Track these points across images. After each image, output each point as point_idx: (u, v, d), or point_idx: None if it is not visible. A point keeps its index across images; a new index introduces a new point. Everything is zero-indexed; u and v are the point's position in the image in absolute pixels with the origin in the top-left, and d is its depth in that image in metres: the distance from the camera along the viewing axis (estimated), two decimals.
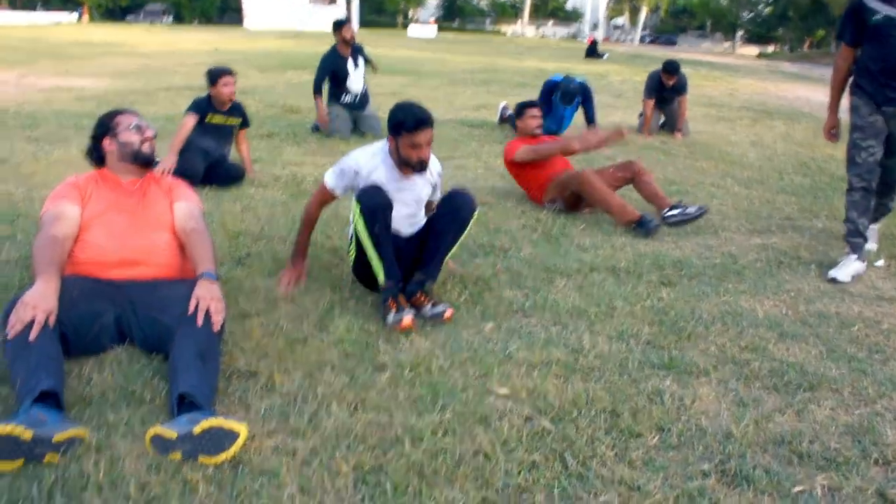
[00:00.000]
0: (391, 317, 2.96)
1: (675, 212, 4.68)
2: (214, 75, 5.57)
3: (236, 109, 5.73)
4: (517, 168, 5.18)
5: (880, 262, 4.26)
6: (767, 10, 67.72)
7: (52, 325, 2.29)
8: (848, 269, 3.90)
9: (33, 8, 62.58)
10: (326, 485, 1.93)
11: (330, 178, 3.43)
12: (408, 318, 2.93)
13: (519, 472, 2.02)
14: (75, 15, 60.11)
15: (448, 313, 3.05)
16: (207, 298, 2.46)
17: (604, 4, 71.97)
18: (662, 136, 8.59)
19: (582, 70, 19.09)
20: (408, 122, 3.16)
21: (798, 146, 8.65)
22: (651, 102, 8.77)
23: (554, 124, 7.81)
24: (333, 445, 2.11)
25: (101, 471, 1.93)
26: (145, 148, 2.91)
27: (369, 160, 3.34)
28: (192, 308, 2.43)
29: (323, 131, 7.60)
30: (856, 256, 3.97)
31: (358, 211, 3.09)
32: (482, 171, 6.12)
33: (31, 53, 19.37)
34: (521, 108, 5.39)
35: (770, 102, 14.22)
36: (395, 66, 17.61)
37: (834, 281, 3.81)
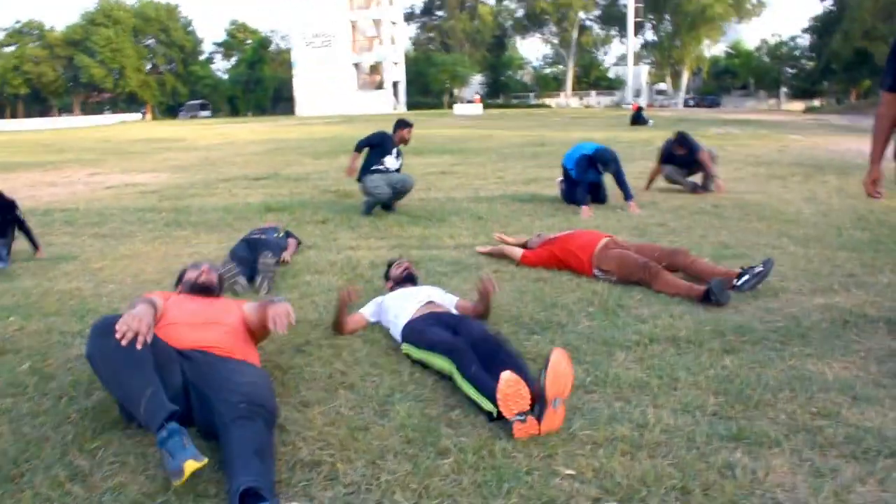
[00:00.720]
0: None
1: (745, 277, 4.60)
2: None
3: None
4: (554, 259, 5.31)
5: None
6: (810, 64, 67.53)
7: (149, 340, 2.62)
8: None
9: (101, 112, 65.97)
10: None
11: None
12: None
13: None
14: (139, 115, 63.02)
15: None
16: (283, 306, 2.94)
17: (645, 71, 72.65)
18: (714, 199, 8.52)
19: (627, 137, 19.19)
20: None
21: (854, 199, 8.48)
22: (657, 167, 9.52)
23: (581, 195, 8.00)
24: None
25: None
26: (202, 279, 3.51)
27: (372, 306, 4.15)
28: (270, 325, 2.87)
29: (348, 178, 8.25)
30: None
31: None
32: None
33: (99, 153, 20.36)
34: None
35: (821, 157, 14.05)
36: (444, 145, 17.99)
37: None
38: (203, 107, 67.88)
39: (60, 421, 2.90)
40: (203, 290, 3.45)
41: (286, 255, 5.72)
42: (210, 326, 3.04)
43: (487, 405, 2.85)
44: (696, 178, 9.36)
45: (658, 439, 2.67)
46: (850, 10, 53.80)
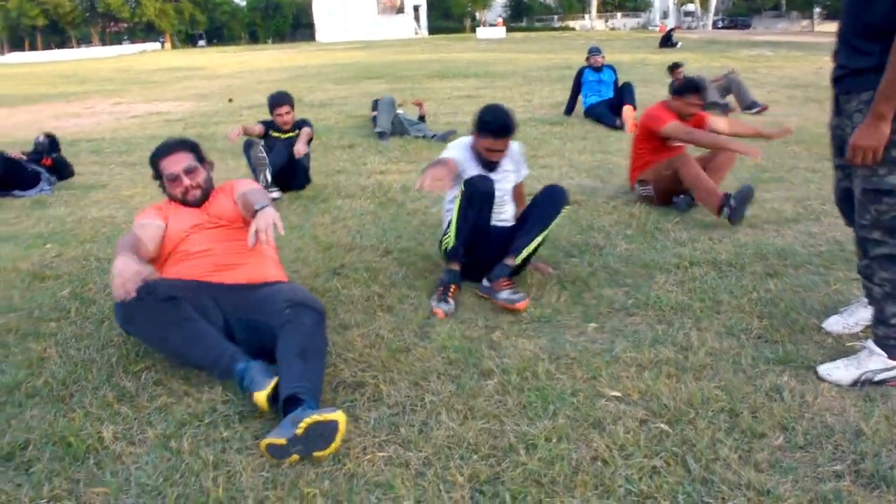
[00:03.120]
0: (433, 301, 3.23)
1: (725, 210, 4.32)
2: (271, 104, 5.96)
3: (297, 126, 5.93)
4: (647, 139, 4.84)
5: None
6: None
7: (153, 277, 2.57)
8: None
9: (120, 42, 65.50)
10: (444, 496, 1.91)
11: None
12: (440, 309, 3.14)
13: (640, 479, 1.95)
14: (158, 44, 62.52)
15: (521, 304, 3.12)
16: (268, 217, 2.51)
17: None
18: (751, 121, 8.30)
19: (656, 59, 18.71)
20: (491, 126, 3.39)
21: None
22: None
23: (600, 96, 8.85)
24: (447, 456, 2.09)
25: (220, 487, 1.96)
26: (189, 197, 2.98)
27: (461, 152, 3.51)
28: (254, 240, 2.46)
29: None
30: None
31: (461, 193, 3.27)
32: (566, 168, 6.03)
33: (121, 83, 20.23)
34: (688, 89, 4.76)
35: None
36: (468, 69, 17.63)
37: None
38: (200, 36, 67.62)
39: (104, 344, 2.91)
40: (195, 205, 2.98)
41: (298, 147, 5.46)
42: (234, 266, 2.85)
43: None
44: (731, 100, 9.22)
45: (703, 362, 2.63)
46: None
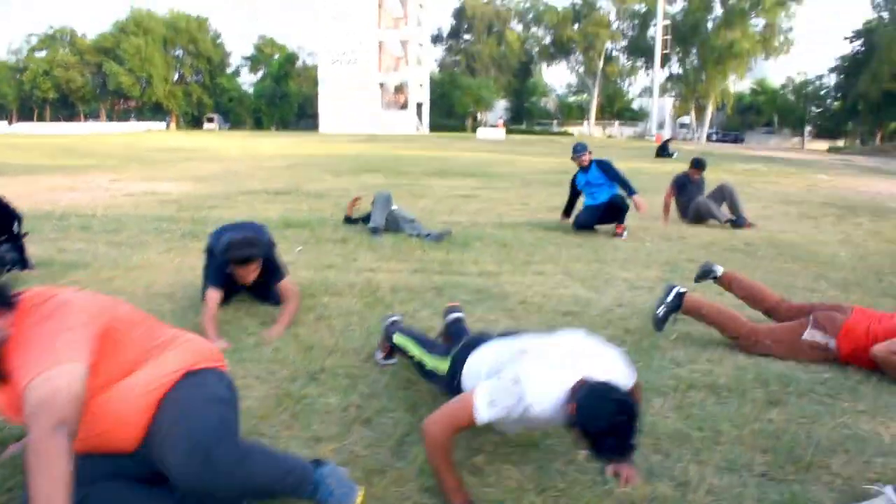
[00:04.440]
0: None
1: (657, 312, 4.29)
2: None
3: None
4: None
5: None
6: (836, 104, 67.12)
7: None
8: None
9: (127, 119, 66.79)
10: None
11: (484, 409, 2.34)
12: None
13: None
14: (164, 124, 63.66)
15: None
16: None
17: (669, 103, 72.43)
18: (746, 236, 8.26)
19: (651, 168, 18.96)
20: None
21: (891, 244, 8.20)
22: (670, 192, 9.71)
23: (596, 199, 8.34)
24: None
25: None
26: None
27: (548, 407, 2.31)
28: None
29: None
30: None
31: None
32: (561, 276, 5.89)
33: (123, 159, 20.39)
34: None
35: (852, 198, 13.73)
36: (467, 168, 17.81)
37: None
38: (209, 119, 69.24)
39: None
40: None
41: (273, 332, 4.20)
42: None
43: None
44: (726, 212, 9.22)
45: (702, 501, 2.43)
46: (879, 51, 53.43)
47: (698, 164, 9.78)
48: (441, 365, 3.01)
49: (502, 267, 6.19)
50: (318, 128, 61.41)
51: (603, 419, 2.08)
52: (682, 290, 4.30)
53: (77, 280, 5.57)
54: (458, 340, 3.60)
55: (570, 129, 71.83)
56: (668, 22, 59.91)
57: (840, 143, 66.12)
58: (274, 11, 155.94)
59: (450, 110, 68.69)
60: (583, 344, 2.59)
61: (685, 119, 74.13)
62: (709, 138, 66.23)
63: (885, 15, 55.99)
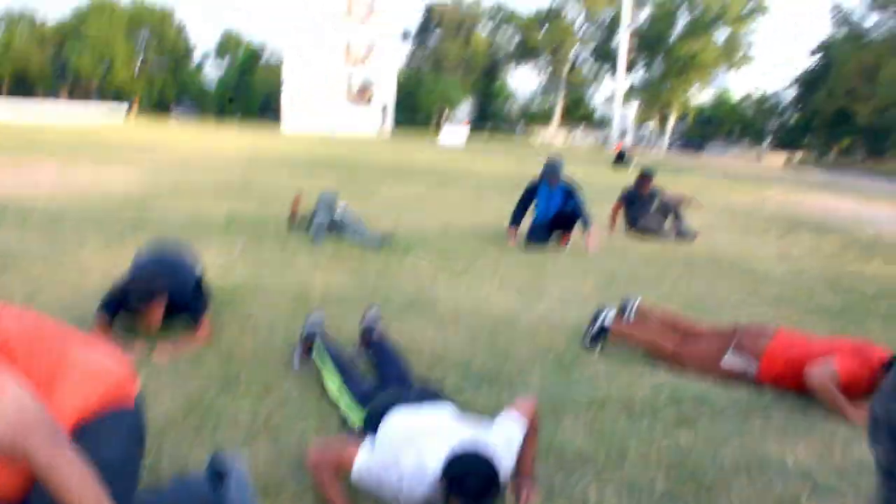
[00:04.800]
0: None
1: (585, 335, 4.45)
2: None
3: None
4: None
5: None
6: (794, 118, 68.44)
7: None
8: None
9: (88, 98, 65.47)
10: None
11: (359, 471, 2.45)
12: None
13: None
14: (125, 106, 62.30)
15: None
16: None
17: (633, 111, 73.19)
18: (687, 250, 8.36)
19: (608, 178, 19.11)
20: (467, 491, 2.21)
21: (827, 260, 8.37)
22: (617, 205, 9.82)
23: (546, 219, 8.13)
24: None
25: None
26: None
27: (417, 481, 2.40)
28: None
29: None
30: None
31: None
32: (496, 286, 5.89)
33: (75, 147, 19.97)
34: None
35: (798, 213, 13.99)
36: (423, 173, 17.77)
37: None
38: (178, 105, 68.91)
39: None
40: None
41: (162, 356, 3.82)
42: None
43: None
44: (668, 225, 9.35)
45: None
46: (835, 67, 54.61)
47: (646, 175, 9.85)
48: (354, 416, 3.00)
49: (439, 274, 6.18)
50: (280, 123, 60.85)
51: (469, 485, 2.20)
52: (608, 322, 4.34)
53: (1, 274, 5.44)
54: (380, 358, 3.60)
55: (535, 133, 72.19)
56: (635, 25, 60.60)
57: (797, 154, 67.41)
58: (239, 4, 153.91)
59: (415, 108, 68.59)
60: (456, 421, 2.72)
61: (648, 127, 74.99)
62: (669, 147, 67.09)
63: (842, 31, 57.17)
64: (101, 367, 2.03)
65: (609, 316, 4.35)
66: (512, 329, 4.68)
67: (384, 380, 3.32)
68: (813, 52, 63.26)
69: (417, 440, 2.51)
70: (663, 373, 4.00)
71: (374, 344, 3.77)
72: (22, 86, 71.54)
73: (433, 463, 2.35)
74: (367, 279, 5.86)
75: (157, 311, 3.91)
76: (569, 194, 8.05)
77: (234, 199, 10.53)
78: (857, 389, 3.65)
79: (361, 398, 3.00)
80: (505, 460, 2.43)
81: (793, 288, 6.67)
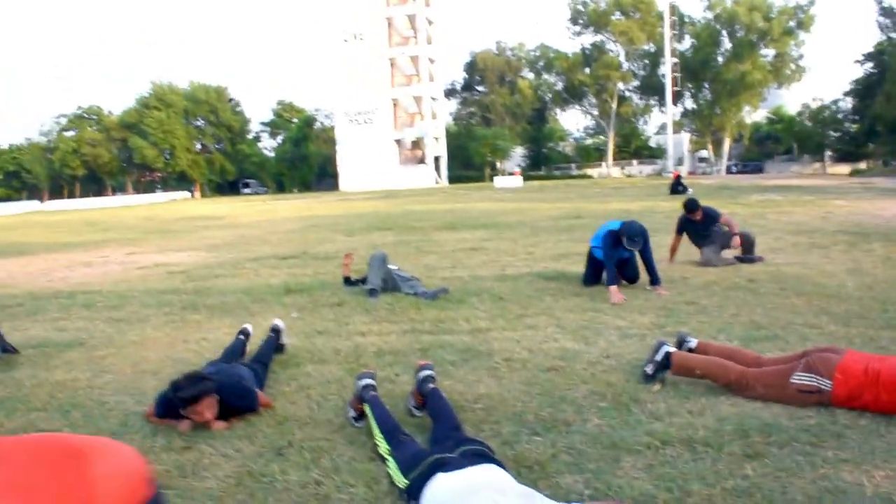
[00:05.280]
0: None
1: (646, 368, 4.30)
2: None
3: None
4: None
5: None
6: (854, 127, 66.65)
7: None
8: None
9: (153, 191, 68.28)
10: None
11: None
12: None
13: None
14: (188, 193, 64.88)
15: None
16: None
17: (686, 139, 72.46)
18: (750, 273, 8.10)
19: (666, 207, 18.82)
20: None
21: None
22: (676, 238, 9.32)
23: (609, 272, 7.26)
24: None
25: None
26: None
27: None
28: None
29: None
30: None
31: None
32: (552, 329, 5.78)
33: (141, 231, 20.76)
34: None
35: (866, 223, 13.49)
36: (479, 219, 17.83)
37: None
38: (245, 185, 71.06)
39: None
40: None
41: (216, 424, 3.86)
42: None
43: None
44: (730, 253, 9.03)
45: None
46: (890, 71, 53.18)
47: (691, 207, 9.27)
48: (398, 478, 2.94)
49: (494, 322, 6.10)
50: (337, 187, 62.10)
51: None
52: (670, 349, 4.21)
53: (70, 360, 5.60)
54: (432, 415, 3.55)
55: (589, 171, 71.98)
56: (676, 60, 60.33)
57: (862, 165, 65.49)
58: (291, 76, 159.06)
59: (467, 161, 69.23)
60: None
61: (703, 153, 74.02)
62: (728, 170, 65.98)
63: (894, 35, 55.80)
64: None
65: (668, 350, 4.21)
66: (569, 372, 4.56)
67: (434, 441, 3.25)
68: (865, 59, 61.86)
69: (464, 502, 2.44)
70: (728, 404, 3.82)
71: (426, 401, 3.72)
72: (93, 180, 75.22)
73: None
74: (421, 333, 5.83)
75: (209, 408, 3.79)
76: (644, 248, 7.32)
77: (292, 267, 10.70)
78: None
79: (407, 464, 2.93)
80: None
81: (865, 303, 6.37)
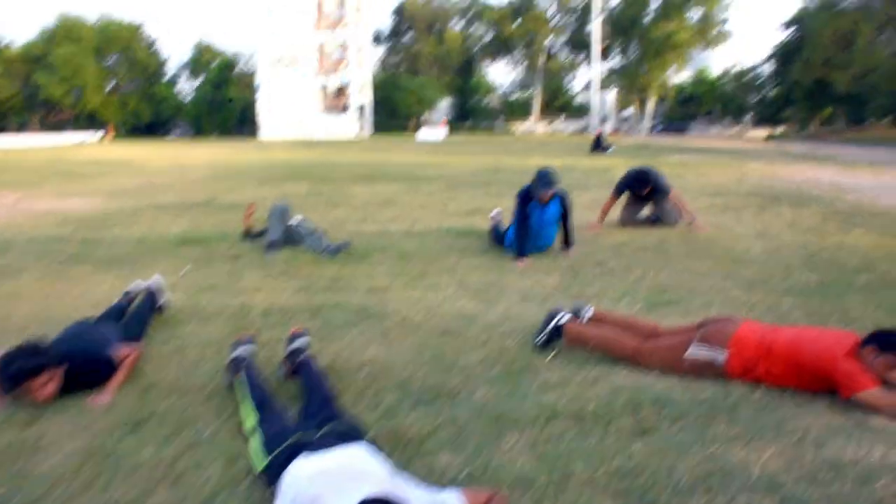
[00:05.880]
0: None
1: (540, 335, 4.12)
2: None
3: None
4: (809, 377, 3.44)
5: None
6: (774, 92, 68.34)
7: None
8: None
9: (61, 130, 64.64)
10: None
11: None
12: None
13: None
14: (99, 134, 61.88)
15: None
16: None
17: (612, 96, 73.06)
18: (661, 234, 8.04)
19: (585, 165, 18.82)
20: None
21: (806, 234, 8.05)
22: (611, 199, 8.60)
23: (538, 240, 6.84)
24: None
25: None
26: None
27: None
28: None
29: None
30: None
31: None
32: (454, 289, 5.54)
33: (42, 175, 19.54)
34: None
35: (778, 186, 13.68)
36: (397, 172, 17.43)
37: None
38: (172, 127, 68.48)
39: None
40: None
41: (100, 399, 3.45)
42: None
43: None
44: (646, 211, 8.88)
45: None
46: (810, 38, 54.43)
47: (641, 180, 8.53)
48: (257, 460, 2.67)
49: (395, 281, 5.83)
50: (257, 134, 60.38)
51: None
52: (563, 320, 4.02)
53: None
54: (304, 382, 3.30)
55: (515, 126, 71.97)
56: (605, 15, 60.51)
57: (779, 129, 67.37)
58: (211, 16, 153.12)
59: (393, 111, 68.09)
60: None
61: (628, 112, 74.83)
62: (652, 130, 66.94)
63: (815, 2, 57.00)
64: None
65: (564, 318, 4.02)
66: (464, 335, 4.34)
67: (303, 417, 2.98)
68: (787, 24, 63.14)
69: (322, 490, 2.19)
70: (622, 375, 3.66)
71: (298, 371, 3.44)
72: None
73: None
74: (316, 291, 5.52)
75: (49, 383, 3.36)
76: (564, 206, 6.85)
77: (195, 216, 10.17)
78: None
79: (271, 442, 2.65)
80: None
81: (769, 267, 6.35)
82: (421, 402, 3.34)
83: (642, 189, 8.59)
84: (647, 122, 67.27)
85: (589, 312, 4.27)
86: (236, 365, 3.45)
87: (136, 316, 4.52)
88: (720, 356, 3.58)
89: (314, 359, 3.54)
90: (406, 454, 2.82)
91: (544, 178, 6.60)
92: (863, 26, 48.49)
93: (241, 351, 3.57)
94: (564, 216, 6.88)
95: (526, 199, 6.68)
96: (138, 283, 5.01)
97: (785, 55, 62.58)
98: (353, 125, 59.25)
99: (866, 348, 3.34)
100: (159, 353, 4.16)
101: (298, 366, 3.45)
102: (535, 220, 6.71)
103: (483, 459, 2.77)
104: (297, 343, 3.60)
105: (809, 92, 57.44)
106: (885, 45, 50.62)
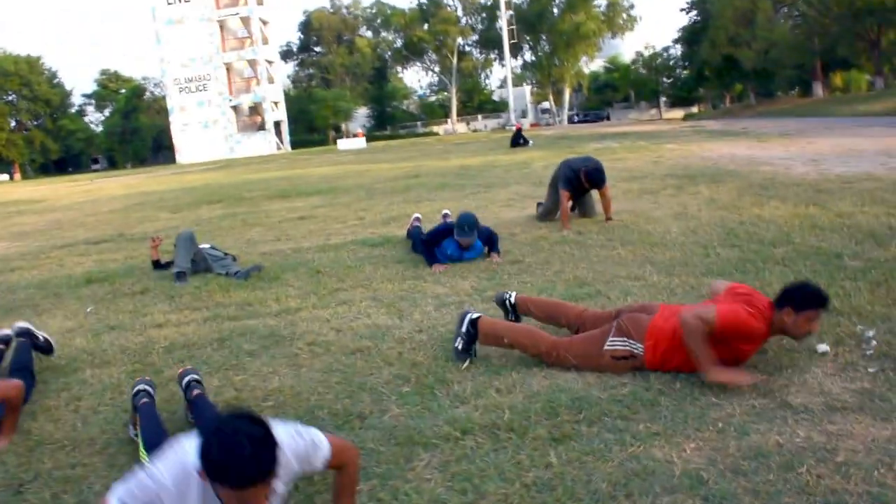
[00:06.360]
0: None
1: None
2: None
3: None
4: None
5: (823, 347, 3.58)
6: (685, 73, 70.11)
7: None
8: None
9: None
10: None
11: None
12: None
13: None
14: (6, 176, 59.62)
15: None
16: None
17: (528, 91, 73.87)
18: (579, 226, 7.98)
19: (505, 161, 18.82)
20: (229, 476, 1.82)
21: (724, 210, 8.11)
22: (567, 194, 8.06)
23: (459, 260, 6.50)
24: None
25: None
26: None
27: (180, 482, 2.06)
28: None
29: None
30: None
31: None
32: (367, 303, 5.33)
33: None
34: (809, 300, 3.30)
35: (694, 165, 13.86)
36: (316, 185, 17.11)
37: None
38: (95, 161, 66.15)
39: None
40: None
41: None
42: None
43: None
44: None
45: None
46: (713, 18, 55.95)
47: (593, 177, 8.04)
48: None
49: (306, 301, 5.59)
50: (175, 160, 58.95)
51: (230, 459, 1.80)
52: (475, 315, 3.86)
53: None
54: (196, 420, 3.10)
55: (435, 129, 72.04)
56: (511, 12, 61.03)
57: (694, 109, 69.16)
58: (114, 43, 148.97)
59: (310, 125, 67.47)
60: None
61: (546, 105, 75.72)
62: (571, 120, 67.90)
63: None
64: None
65: (473, 317, 3.85)
66: (374, 353, 4.14)
67: None
68: (690, 6, 64.83)
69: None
70: (540, 377, 3.52)
71: (191, 411, 3.21)
72: None
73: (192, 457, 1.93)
74: (223, 320, 5.24)
75: None
76: (489, 240, 6.63)
77: (102, 253, 9.71)
78: (745, 344, 3.34)
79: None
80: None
81: (688, 248, 6.33)
82: (328, 428, 3.12)
83: (588, 183, 8.16)
84: (565, 113, 68.18)
85: (512, 298, 4.17)
86: (135, 404, 3.22)
87: (18, 362, 4.18)
88: (637, 349, 3.48)
89: (205, 395, 3.32)
90: (309, 491, 2.62)
91: (462, 227, 6.30)
92: (761, 3, 50.03)
93: (138, 388, 3.34)
94: (491, 242, 6.65)
95: (444, 234, 6.51)
96: (9, 331, 4.65)
97: (691, 36, 64.30)
98: (270, 142, 58.36)
99: (784, 310, 3.28)
100: (53, 404, 3.86)
101: (191, 404, 3.23)
102: (453, 252, 6.48)
103: (391, 487, 2.58)
104: (187, 379, 3.38)
105: (719, 71, 59.10)
106: (785, 20, 52.41)
